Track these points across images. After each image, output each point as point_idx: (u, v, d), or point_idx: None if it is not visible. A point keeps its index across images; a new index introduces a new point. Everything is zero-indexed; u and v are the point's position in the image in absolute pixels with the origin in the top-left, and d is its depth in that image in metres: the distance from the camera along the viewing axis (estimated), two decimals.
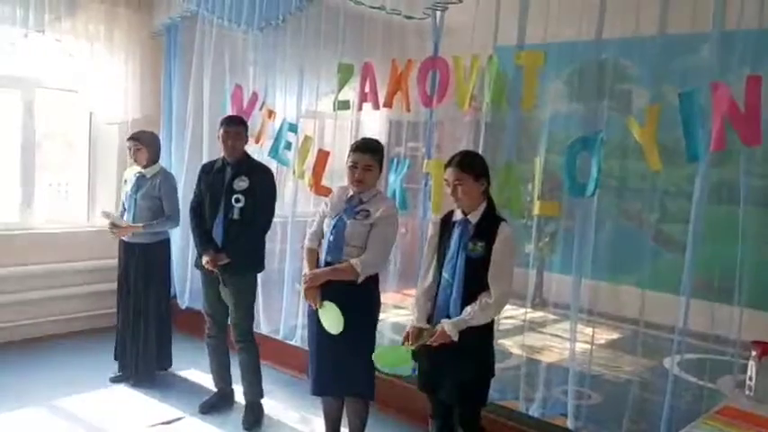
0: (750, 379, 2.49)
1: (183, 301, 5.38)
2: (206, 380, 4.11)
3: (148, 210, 4.16)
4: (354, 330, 3.10)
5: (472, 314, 2.71)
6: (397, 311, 4.61)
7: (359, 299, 3.09)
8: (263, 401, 3.94)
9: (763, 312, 3.12)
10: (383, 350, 3.08)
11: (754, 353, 2.48)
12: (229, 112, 4.84)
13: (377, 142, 3.22)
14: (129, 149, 4.18)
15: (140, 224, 4.13)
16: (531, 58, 3.40)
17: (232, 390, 4.06)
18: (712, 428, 2.22)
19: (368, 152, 3.09)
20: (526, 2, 3.49)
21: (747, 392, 2.50)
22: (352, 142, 3.20)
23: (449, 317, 2.77)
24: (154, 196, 4.17)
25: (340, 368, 3.13)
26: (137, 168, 4.25)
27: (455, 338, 2.71)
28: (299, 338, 4.56)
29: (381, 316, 3.72)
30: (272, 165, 4.47)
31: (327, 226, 3.15)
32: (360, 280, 3.03)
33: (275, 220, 4.06)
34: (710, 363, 3.46)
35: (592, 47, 3.35)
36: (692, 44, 3.19)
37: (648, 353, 4.11)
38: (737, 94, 2.74)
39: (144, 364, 4.28)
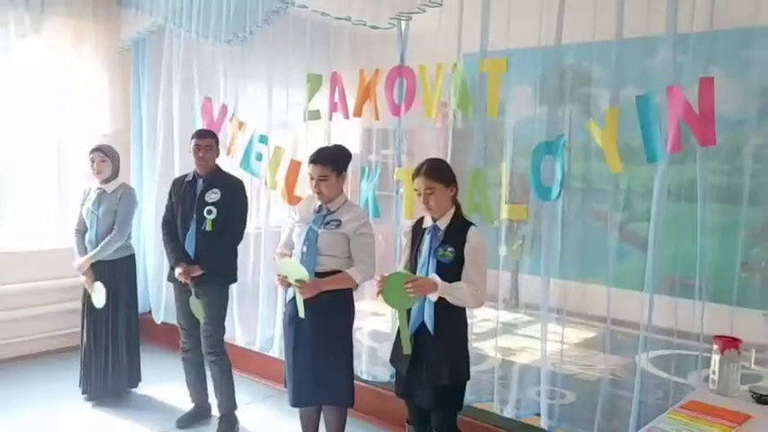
0: (713, 373, 2.55)
1: (159, 316, 5.36)
2: (182, 395, 4.10)
3: (111, 226, 4.11)
4: (331, 339, 3.13)
5: (457, 288, 2.72)
6: (375, 319, 4.63)
7: (334, 307, 3.12)
8: (239, 413, 3.94)
9: (726, 306, 3.19)
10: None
11: (715, 347, 2.54)
12: (200, 124, 4.85)
13: (333, 150, 3.23)
14: (93, 161, 4.11)
15: (89, 254, 4.08)
16: (493, 65, 3.46)
17: (209, 404, 4.05)
18: (677, 422, 2.27)
19: (320, 162, 3.10)
20: (488, 10, 3.54)
21: (711, 386, 2.56)
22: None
23: (424, 323, 2.80)
24: (115, 211, 4.11)
25: (318, 377, 3.14)
26: (96, 184, 4.19)
27: (436, 293, 2.71)
28: (277, 350, 4.57)
29: (359, 323, 3.76)
30: (245, 176, 4.48)
31: (298, 236, 3.17)
32: (356, 289, 3.14)
33: (249, 231, 4.07)
34: (682, 358, 3.53)
35: (552, 53, 3.42)
36: (649, 47, 3.27)
37: (621, 350, 4.19)
38: (693, 95, 2.82)
39: (113, 383, 4.23)
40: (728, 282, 3.23)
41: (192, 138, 3.81)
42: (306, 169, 3.26)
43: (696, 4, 2.95)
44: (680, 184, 3.53)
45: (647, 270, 3.13)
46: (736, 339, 2.54)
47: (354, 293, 3.23)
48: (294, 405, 3.28)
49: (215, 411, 3.97)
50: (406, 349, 2.83)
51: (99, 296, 4.08)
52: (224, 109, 4.87)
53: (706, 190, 3.05)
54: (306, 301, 3.03)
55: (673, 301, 3.40)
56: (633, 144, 3.22)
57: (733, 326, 3.04)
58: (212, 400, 4.00)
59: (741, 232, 3.28)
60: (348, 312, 3.23)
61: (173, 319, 4.17)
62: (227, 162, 4.54)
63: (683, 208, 3.43)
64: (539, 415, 3.56)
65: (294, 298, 3.10)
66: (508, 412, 3.65)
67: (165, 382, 4.49)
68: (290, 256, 3.22)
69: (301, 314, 3.06)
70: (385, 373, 4.12)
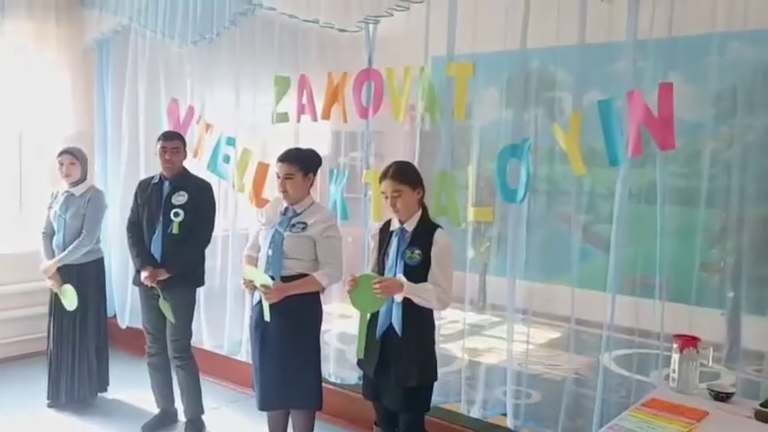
0: (673, 371, 2.62)
1: (124, 321, 5.28)
2: (148, 400, 4.05)
3: (79, 229, 4.04)
4: (298, 342, 3.12)
5: (424, 289, 2.74)
6: (343, 321, 4.62)
7: (301, 311, 3.12)
8: (206, 418, 3.91)
9: (685, 305, 3.28)
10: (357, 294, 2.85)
11: (675, 345, 2.61)
12: (166, 126, 4.80)
13: (301, 150, 3.23)
14: (62, 164, 4.05)
15: (57, 258, 4.01)
16: (460, 69, 3.49)
17: (175, 409, 4.01)
18: (638, 420, 2.32)
19: (286, 161, 3.11)
20: (454, 14, 3.58)
21: (671, 384, 2.62)
22: None
23: (391, 326, 2.82)
24: (84, 214, 4.05)
25: (285, 381, 3.14)
26: (64, 187, 4.13)
27: (402, 294, 2.73)
28: (245, 353, 4.54)
29: (327, 326, 3.76)
30: (213, 178, 4.45)
31: (264, 239, 3.16)
32: (323, 292, 3.13)
33: (217, 233, 4.04)
34: (644, 357, 3.61)
35: (518, 56, 3.47)
36: (611, 53, 3.34)
37: (585, 350, 4.26)
38: (653, 100, 2.89)
39: (82, 388, 4.18)
40: (688, 282, 3.31)
41: (159, 140, 3.77)
42: (274, 172, 3.25)
43: (655, 12, 3.03)
44: (641, 187, 3.61)
45: (610, 271, 3.20)
46: (694, 338, 2.61)
47: (322, 296, 3.23)
48: (262, 409, 3.26)
49: (181, 416, 3.94)
50: (359, 354, 2.86)
51: (70, 299, 4.00)
52: (191, 110, 4.82)
53: (666, 193, 3.13)
54: (272, 305, 3.03)
55: (634, 301, 3.48)
56: (596, 147, 3.29)
57: (692, 325, 3.11)
58: (179, 404, 3.96)
59: (700, 234, 3.37)
60: (315, 315, 3.22)
61: (138, 324, 4.12)
62: (194, 164, 4.49)
63: (644, 210, 3.50)
64: (505, 415, 3.61)
65: (260, 301, 3.09)
66: (475, 412, 3.69)
67: (130, 387, 4.43)
68: (257, 258, 3.21)
69: (267, 318, 3.05)
70: (353, 375, 4.13)
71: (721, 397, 2.50)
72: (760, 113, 3.48)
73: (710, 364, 2.92)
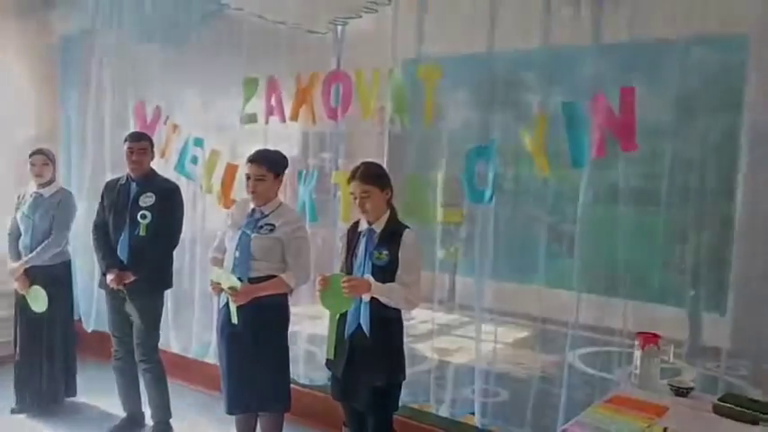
0: (635, 368, 2.69)
1: (90, 324, 5.20)
2: (114, 405, 3.99)
3: (47, 231, 3.99)
4: (266, 345, 3.12)
5: (391, 289, 2.74)
6: (313, 322, 4.62)
7: (268, 312, 3.11)
8: (173, 421, 3.88)
9: (649, 303, 3.36)
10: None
11: (637, 343, 2.68)
12: (133, 127, 4.74)
13: (269, 152, 3.22)
14: (34, 165, 3.99)
15: (24, 259, 3.96)
16: (428, 71, 3.53)
17: (142, 413, 3.96)
18: (602, 416, 2.38)
19: (257, 162, 3.09)
20: (423, 17, 3.61)
21: (633, 381, 2.69)
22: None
23: (360, 326, 2.83)
24: (53, 215, 4.00)
25: (254, 384, 3.13)
26: (32, 189, 4.07)
27: (370, 293, 2.72)
28: (213, 356, 4.50)
29: (297, 327, 3.76)
30: (181, 180, 4.41)
31: (230, 240, 3.15)
32: (291, 293, 3.12)
33: (185, 235, 4.01)
34: (609, 355, 3.67)
35: (485, 59, 3.51)
36: (576, 56, 3.40)
37: (552, 348, 4.32)
38: (616, 102, 2.96)
39: (49, 393, 4.12)
40: (651, 281, 3.39)
41: (126, 140, 3.73)
42: (242, 174, 3.24)
43: (619, 17, 3.10)
44: (606, 188, 3.67)
45: (575, 270, 3.26)
46: (656, 335, 2.68)
47: (291, 297, 3.23)
48: (230, 412, 3.24)
49: (149, 420, 3.90)
50: (329, 354, 2.86)
51: (38, 301, 3.94)
52: (158, 111, 4.77)
53: (630, 193, 3.20)
54: (239, 307, 3.02)
55: (599, 300, 3.55)
56: (564, 148, 3.34)
57: (656, 323, 3.18)
58: (146, 408, 3.92)
59: (663, 233, 3.45)
60: (283, 317, 3.22)
61: (104, 327, 4.07)
62: (161, 165, 4.44)
63: (609, 210, 3.57)
64: (473, 414, 3.64)
65: (227, 303, 3.08)
66: (444, 411, 3.73)
67: (97, 392, 4.37)
68: (223, 259, 3.20)
69: (234, 320, 3.04)
70: (322, 376, 4.12)
71: (681, 392, 2.57)
72: (721, 116, 3.58)
73: (671, 360, 3.00)
